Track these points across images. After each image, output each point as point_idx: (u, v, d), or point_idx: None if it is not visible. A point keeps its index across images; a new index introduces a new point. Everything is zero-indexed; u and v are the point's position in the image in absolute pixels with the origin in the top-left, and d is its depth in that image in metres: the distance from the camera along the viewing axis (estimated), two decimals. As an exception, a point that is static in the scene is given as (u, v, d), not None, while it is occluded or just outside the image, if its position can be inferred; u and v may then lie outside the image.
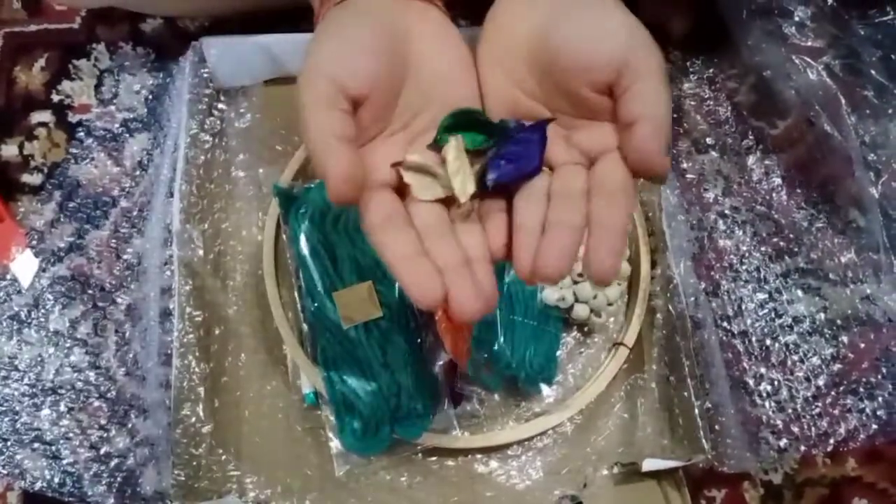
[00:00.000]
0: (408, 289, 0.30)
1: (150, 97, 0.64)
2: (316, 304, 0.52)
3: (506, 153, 0.34)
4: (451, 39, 0.38)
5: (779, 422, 0.57)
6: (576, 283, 0.55)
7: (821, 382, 0.58)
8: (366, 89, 0.33)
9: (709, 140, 0.65)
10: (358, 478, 0.52)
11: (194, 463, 0.50)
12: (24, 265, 0.58)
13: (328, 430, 0.52)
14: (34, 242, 0.59)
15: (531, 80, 0.36)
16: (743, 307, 0.60)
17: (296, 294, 0.54)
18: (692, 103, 0.66)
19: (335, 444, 0.52)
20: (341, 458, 0.52)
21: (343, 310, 0.51)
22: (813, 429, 0.57)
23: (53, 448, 0.53)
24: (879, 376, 0.58)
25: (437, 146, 0.35)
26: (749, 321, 0.59)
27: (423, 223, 0.33)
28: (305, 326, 0.53)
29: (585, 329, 0.58)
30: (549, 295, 0.54)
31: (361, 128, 0.33)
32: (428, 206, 0.34)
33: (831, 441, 0.56)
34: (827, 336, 0.59)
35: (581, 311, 0.55)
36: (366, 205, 0.32)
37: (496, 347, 0.52)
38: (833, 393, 0.58)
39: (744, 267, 0.61)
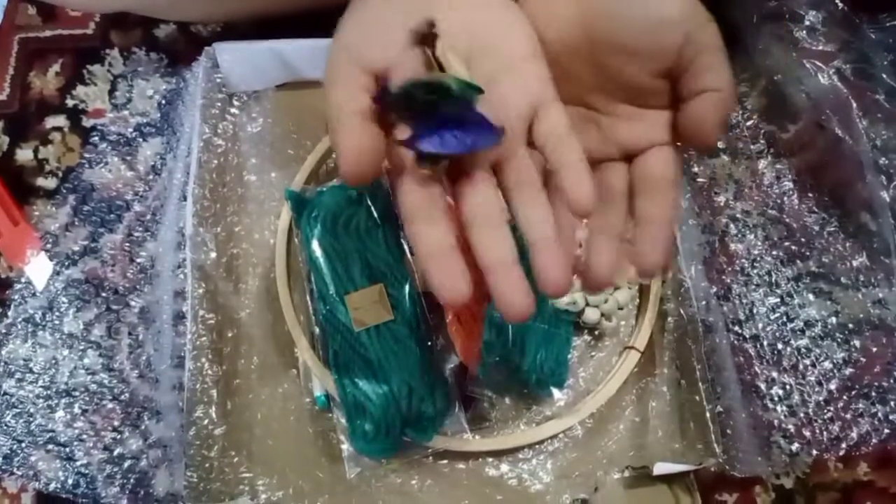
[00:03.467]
0: (435, 288, 0.29)
1: (164, 102, 0.64)
2: (327, 307, 0.52)
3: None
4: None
5: (790, 426, 0.57)
6: (586, 286, 0.55)
7: (833, 387, 0.58)
8: (386, 62, 0.31)
9: (720, 144, 0.65)
10: (369, 480, 0.53)
11: (207, 465, 0.51)
12: (39, 268, 0.59)
13: (339, 433, 0.52)
14: (49, 246, 0.59)
15: (580, 68, 0.33)
16: (754, 311, 0.60)
17: (307, 297, 0.55)
18: (702, 107, 0.66)
19: (346, 446, 0.52)
20: (352, 460, 0.52)
21: (354, 313, 0.51)
22: (825, 433, 0.56)
23: (67, 449, 0.54)
24: (892, 380, 0.58)
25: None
26: (760, 325, 0.59)
27: (471, 210, 0.30)
28: (317, 329, 0.54)
29: (596, 333, 0.58)
30: (560, 298, 0.54)
31: None
32: (481, 190, 0.31)
33: (843, 445, 0.56)
34: (839, 340, 0.59)
35: (592, 314, 0.55)
36: (400, 187, 0.30)
37: (507, 350, 0.52)
38: (845, 397, 0.58)
39: (755, 271, 0.61)
